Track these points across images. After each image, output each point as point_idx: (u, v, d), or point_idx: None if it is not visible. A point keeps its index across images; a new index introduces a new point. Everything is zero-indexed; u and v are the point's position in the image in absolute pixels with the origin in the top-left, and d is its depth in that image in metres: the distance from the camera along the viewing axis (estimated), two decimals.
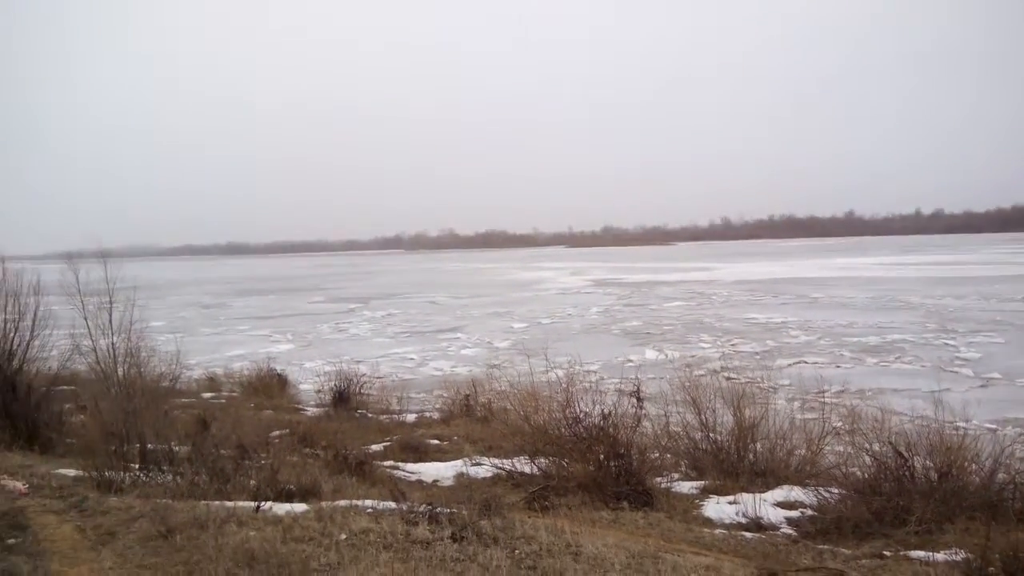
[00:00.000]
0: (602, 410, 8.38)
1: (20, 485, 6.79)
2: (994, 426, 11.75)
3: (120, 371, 10.36)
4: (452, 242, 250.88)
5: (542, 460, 8.49)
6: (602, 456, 7.97)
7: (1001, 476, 7.07)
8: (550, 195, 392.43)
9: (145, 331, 11.17)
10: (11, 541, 5.16)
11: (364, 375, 15.65)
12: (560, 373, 10.08)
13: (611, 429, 8.13)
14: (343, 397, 14.72)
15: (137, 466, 8.29)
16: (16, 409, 10.63)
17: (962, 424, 8.61)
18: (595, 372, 16.87)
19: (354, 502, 6.36)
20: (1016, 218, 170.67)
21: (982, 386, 15.85)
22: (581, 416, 8.44)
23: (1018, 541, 5.68)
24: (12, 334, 11.11)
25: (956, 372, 17.44)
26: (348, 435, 11.31)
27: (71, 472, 7.73)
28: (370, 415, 14.33)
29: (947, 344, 21.65)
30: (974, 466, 7.16)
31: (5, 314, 11.14)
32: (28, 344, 11.22)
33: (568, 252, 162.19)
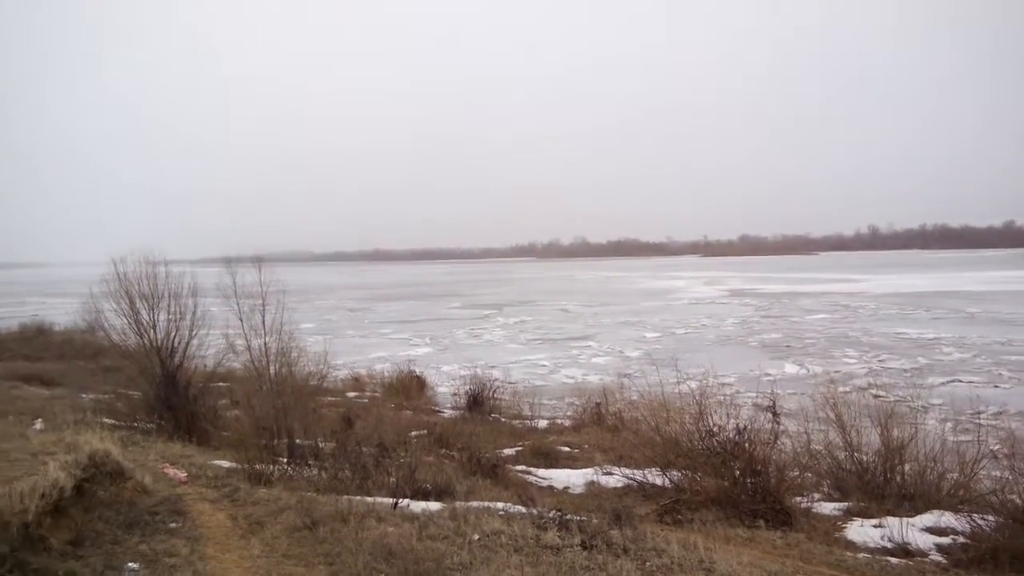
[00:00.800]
0: (737, 424, 8.16)
1: (181, 473, 7.32)
2: None
3: (272, 369, 10.94)
4: (584, 250, 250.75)
5: (674, 472, 8.36)
6: (738, 472, 7.77)
7: None
8: (684, 203, 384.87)
9: (295, 332, 11.75)
10: (172, 525, 5.58)
11: (497, 380, 15.91)
12: (693, 385, 9.90)
13: (747, 444, 7.91)
14: (477, 401, 15.03)
15: (285, 460, 8.79)
16: (176, 402, 11.48)
17: None
18: (730, 385, 16.45)
19: (486, 504, 6.49)
20: None
21: None
22: (715, 430, 8.25)
23: None
24: (173, 333, 11.95)
25: None
26: (482, 438, 11.53)
27: (225, 463, 8.25)
28: (503, 419, 14.55)
29: None
30: None
31: (168, 314, 12.01)
32: (188, 342, 12.03)
33: (703, 261, 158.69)
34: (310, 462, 8.78)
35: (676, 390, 10.03)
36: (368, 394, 17.22)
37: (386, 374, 18.87)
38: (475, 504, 6.47)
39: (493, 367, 18.88)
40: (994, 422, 12.50)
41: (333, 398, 15.28)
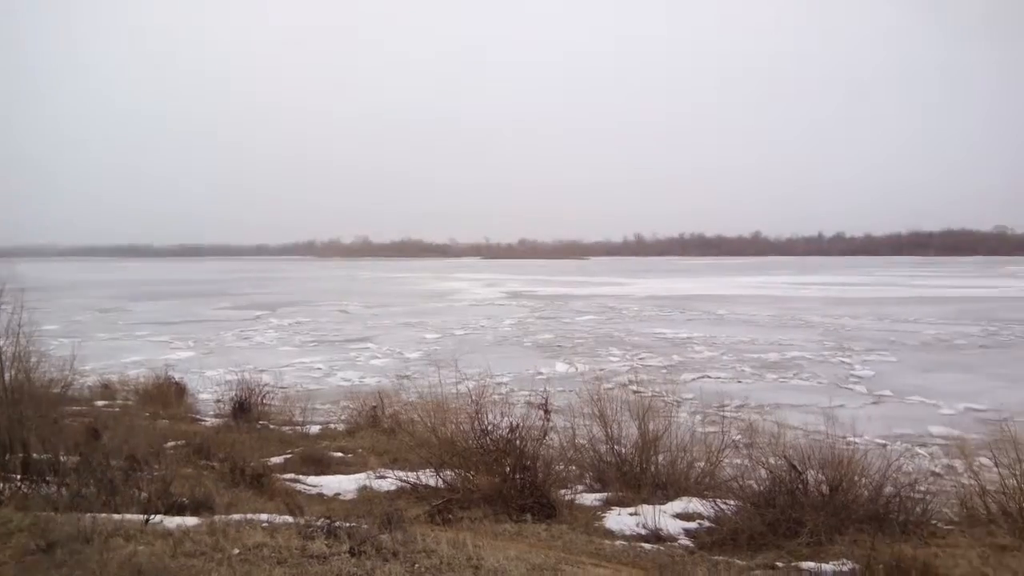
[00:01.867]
0: (510, 422, 8.36)
1: None
2: (883, 441, 12.27)
3: (6, 377, 9.73)
4: (366, 250, 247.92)
5: (448, 473, 8.40)
6: (508, 468, 7.95)
7: (888, 490, 7.36)
8: (467, 204, 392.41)
9: (36, 335, 10.53)
10: None
11: (267, 385, 15.19)
12: (470, 385, 10.03)
13: (518, 441, 8.12)
14: (244, 407, 14.21)
15: (19, 477, 7.80)
16: None
17: (854, 439, 8.95)
18: (506, 384, 16.89)
19: (249, 516, 6.12)
20: (911, 243, 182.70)
21: (874, 403, 16.57)
22: (489, 428, 8.38)
23: (901, 552, 5.91)
24: None
25: (850, 389, 18.19)
26: (247, 447, 10.93)
27: None
28: (272, 426, 13.89)
29: (843, 362, 22.58)
30: (863, 480, 7.42)
31: None
32: None
33: (483, 263, 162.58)
34: (48, 478, 7.85)
35: (454, 390, 10.10)
36: (120, 402, 15.74)
37: (141, 380, 17.39)
38: (236, 517, 6.07)
39: (263, 371, 18.00)
40: (736, 414, 13.87)
41: (80, 408, 13.80)
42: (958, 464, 9.19)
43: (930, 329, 30.96)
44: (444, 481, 8.39)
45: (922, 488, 7.89)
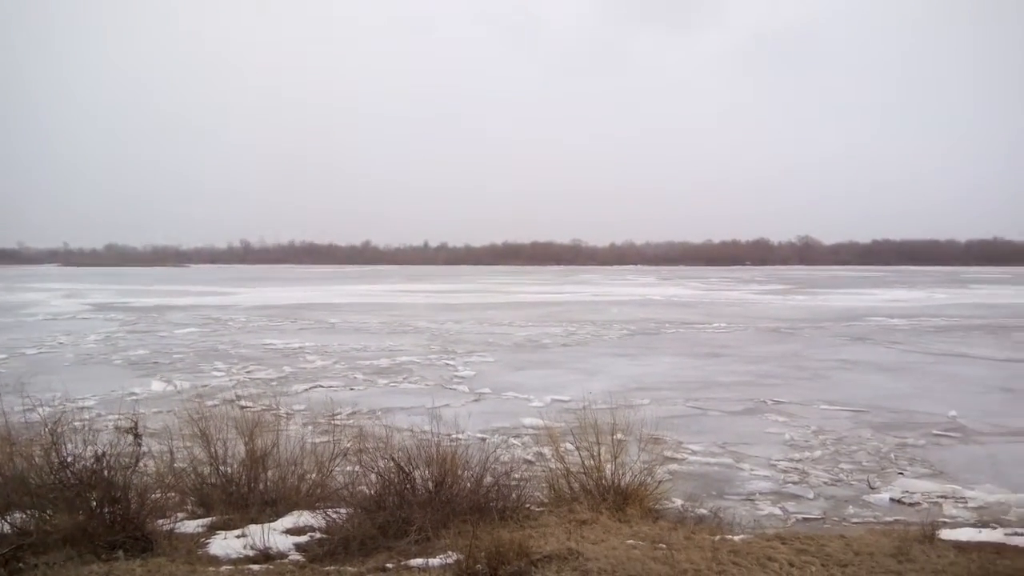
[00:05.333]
0: (96, 451, 7.40)
1: None
2: (483, 435, 13.25)
3: None
4: None
5: (18, 515, 7.14)
6: (95, 503, 7.01)
7: (488, 480, 7.91)
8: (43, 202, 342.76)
9: None
10: None
11: None
12: (44, 412, 8.68)
13: (106, 471, 7.21)
14: None
15: None
16: None
17: (458, 435, 9.46)
18: (91, 409, 14.96)
19: None
20: (508, 252, 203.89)
21: (475, 400, 17.83)
22: (70, 460, 7.34)
23: (499, 537, 6.35)
24: None
25: (454, 389, 19.38)
26: None
27: None
28: None
29: (447, 364, 24.01)
30: (466, 473, 7.88)
31: None
32: None
33: (64, 272, 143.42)
34: None
35: (23, 419, 8.70)
36: None
37: None
38: None
39: None
40: (348, 422, 13.92)
41: None
42: (547, 451, 10.29)
43: (521, 331, 34.40)
44: (13, 525, 7.12)
45: (517, 475, 8.64)
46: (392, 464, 7.72)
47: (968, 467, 12.25)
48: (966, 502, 10.45)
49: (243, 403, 10.68)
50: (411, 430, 9.12)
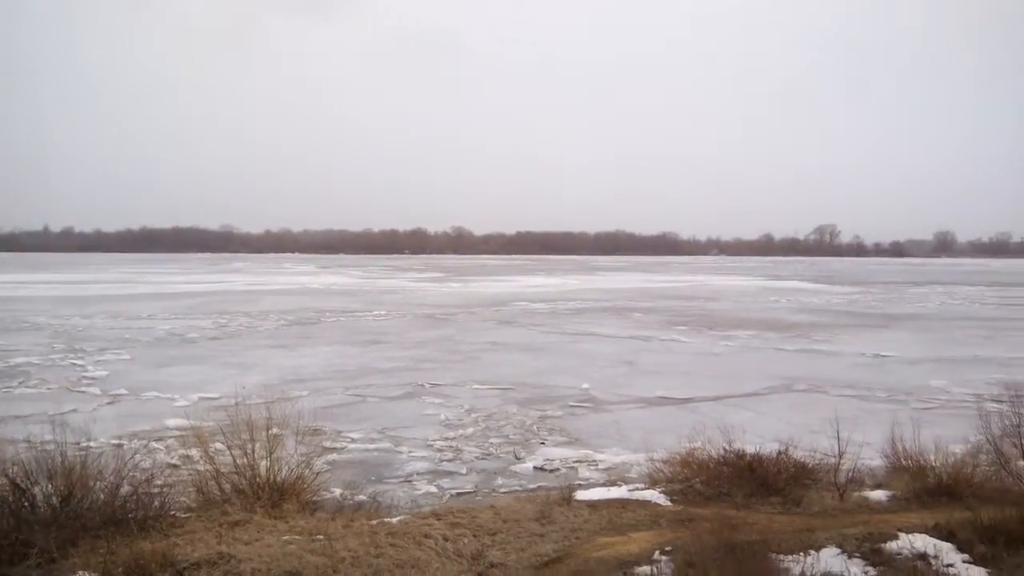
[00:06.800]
0: None
1: None
2: (120, 441, 12.00)
3: None
4: None
5: None
6: None
7: (125, 489, 7.19)
8: None
9: None
10: None
11: None
12: None
13: None
14: None
15: None
16: None
17: (88, 443, 8.44)
18: None
19: None
20: (145, 238, 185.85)
21: (109, 403, 16.07)
22: None
23: (140, 549, 5.80)
24: None
25: (84, 392, 17.27)
26: None
27: None
28: None
29: (75, 364, 21.33)
30: (99, 484, 7.09)
31: None
32: None
33: None
34: None
35: None
36: None
37: None
38: None
39: None
40: None
41: None
42: (195, 452, 9.54)
43: (164, 324, 31.78)
44: None
45: (159, 482, 7.95)
46: (5, 481, 6.68)
47: (599, 433, 13.85)
48: (597, 464, 11.82)
49: None
50: (29, 441, 7.92)
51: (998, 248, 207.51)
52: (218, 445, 8.64)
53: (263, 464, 8.09)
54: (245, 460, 8.11)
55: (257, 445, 8.17)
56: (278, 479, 8.07)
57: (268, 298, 47.78)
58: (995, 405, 11.28)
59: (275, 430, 8.46)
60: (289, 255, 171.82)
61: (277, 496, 7.88)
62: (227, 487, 8.07)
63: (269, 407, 8.66)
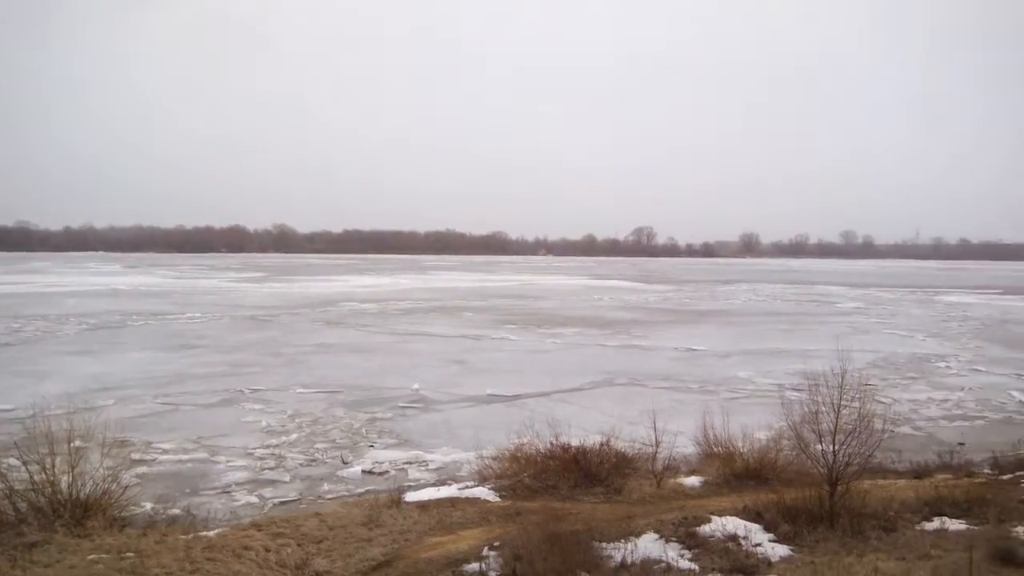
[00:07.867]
0: None
1: None
2: None
3: None
4: None
5: None
6: None
7: None
8: None
9: None
10: None
11: None
12: None
13: None
14: None
15: None
16: None
17: None
18: None
19: None
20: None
21: None
22: None
23: None
24: None
25: None
26: None
27: None
28: None
29: None
30: None
31: None
32: None
33: None
34: None
35: None
36: None
37: None
38: None
39: None
40: None
41: None
42: None
43: None
44: None
45: None
46: None
47: (429, 433, 13.76)
48: (427, 465, 11.74)
49: None
50: None
51: (797, 249, 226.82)
52: (12, 461, 7.88)
53: (64, 480, 7.50)
54: (44, 476, 7.46)
55: (58, 459, 7.60)
56: (82, 495, 7.50)
57: (69, 300, 43.77)
58: (795, 394, 12.26)
59: (78, 443, 7.90)
60: (93, 253, 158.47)
61: (81, 513, 7.30)
62: (23, 506, 7.40)
63: (71, 418, 8.08)
